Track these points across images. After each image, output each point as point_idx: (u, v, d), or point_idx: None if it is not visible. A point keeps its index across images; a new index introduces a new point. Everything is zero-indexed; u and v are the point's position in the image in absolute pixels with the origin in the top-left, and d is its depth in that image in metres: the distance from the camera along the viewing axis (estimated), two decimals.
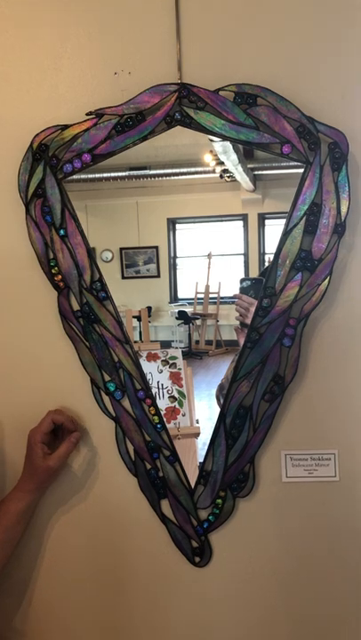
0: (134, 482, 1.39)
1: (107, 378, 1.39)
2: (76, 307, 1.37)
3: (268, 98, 1.27)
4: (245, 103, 1.27)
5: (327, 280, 1.30)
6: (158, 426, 1.38)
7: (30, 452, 1.30)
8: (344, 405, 1.35)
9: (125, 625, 1.45)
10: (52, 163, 1.33)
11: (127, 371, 1.37)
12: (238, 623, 1.42)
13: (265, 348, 1.33)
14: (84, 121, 1.31)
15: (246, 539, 1.39)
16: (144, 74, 1.29)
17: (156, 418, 1.38)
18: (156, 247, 3.44)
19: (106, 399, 1.39)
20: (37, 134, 1.32)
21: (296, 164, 1.29)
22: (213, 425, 1.37)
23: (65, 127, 1.32)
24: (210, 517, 1.38)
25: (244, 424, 1.35)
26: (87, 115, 1.31)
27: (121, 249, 4.02)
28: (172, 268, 3.27)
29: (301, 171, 1.30)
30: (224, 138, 1.30)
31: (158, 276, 3.49)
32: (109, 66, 1.31)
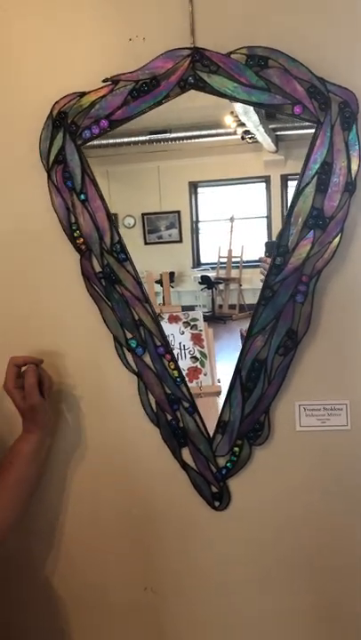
0: (156, 432, 1.48)
1: (128, 335, 1.46)
2: (97, 268, 1.44)
3: (280, 60, 1.30)
4: (257, 65, 1.31)
5: (338, 238, 1.35)
6: (178, 380, 1.45)
7: (13, 402, 1.40)
8: (355, 358, 1.41)
9: (152, 563, 1.56)
10: (71, 129, 1.39)
11: (147, 328, 1.44)
12: (256, 562, 1.52)
13: (279, 304, 1.39)
14: (101, 88, 1.36)
15: (262, 484, 1.48)
16: (158, 39, 1.33)
17: (175, 372, 1.45)
18: (178, 212, 3.32)
19: (128, 355, 1.47)
20: (57, 102, 1.38)
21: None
22: None
23: (82, 94, 1.37)
24: (228, 464, 1.46)
25: (259, 377, 1.42)
26: (103, 82, 1.36)
27: (143, 214, 3.98)
28: (195, 232, 3.20)
29: None
30: (236, 100, 1.33)
31: (180, 241, 3.34)
32: (124, 32, 1.35)
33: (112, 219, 1.46)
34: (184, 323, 2.79)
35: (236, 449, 1.49)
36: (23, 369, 1.40)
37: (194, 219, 3.18)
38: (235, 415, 1.48)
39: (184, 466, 1.51)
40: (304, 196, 1.38)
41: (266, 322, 1.43)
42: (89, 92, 1.39)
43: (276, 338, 1.43)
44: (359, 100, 1.33)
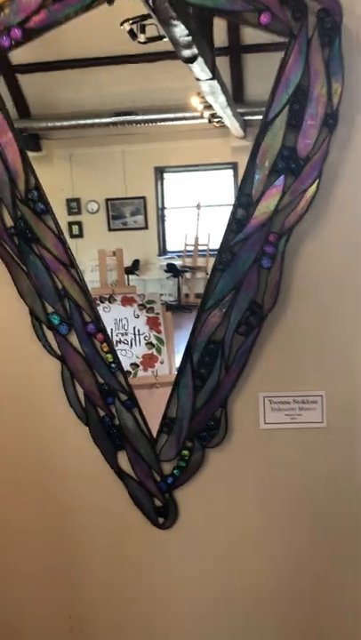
0: (85, 431, 1.16)
1: (49, 309, 1.14)
2: (9, 222, 1.10)
3: None
4: None
5: (315, 185, 1.06)
6: (112, 365, 1.13)
7: None
8: (333, 340, 1.14)
9: (77, 593, 1.23)
10: None
11: (73, 300, 1.12)
12: (209, 593, 1.21)
13: (239, 270, 1.08)
14: None
15: (218, 495, 1.18)
16: None
17: (109, 356, 1.13)
18: (144, 198, 3.36)
19: (49, 335, 1.14)
20: None
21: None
22: None
23: None
24: (175, 471, 1.16)
25: (215, 362, 1.11)
26: None
27: (107, 200, 3.88)
28: (161, 219, 3.15)
29: None
30: (188, 5, 1.01)
31: (146, 227, 3.42)
32: None
33: (27, 158, 1.11)
34: (139, 305, 2.49)
35: (186, 452, 1.18)
36: None
37: (160, 205, 3.17)
38: (184, 410, 1.16)
39: (120, 473, 1.20)
40: (272, 131, 1.07)
41: (223, 292, 1.12)
42: None
43: (236, 313, 1.12)
44: (344, 8, 1.01)
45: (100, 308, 2.49)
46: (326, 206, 1.13)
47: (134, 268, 4.64)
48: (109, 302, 2.47)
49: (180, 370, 1.18)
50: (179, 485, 1.22)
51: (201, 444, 1.20)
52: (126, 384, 1.20)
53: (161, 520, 1.24)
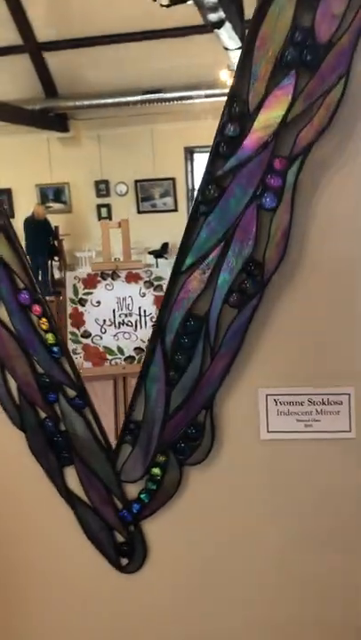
0: (21, 439, 0.80)
1: None
2: None
3: None
4: None
5: (341, 85, 0.67)
6: (55, 350, 0.80)
7: None
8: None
9: None
10: None
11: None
12: None
13: (230, 213, 0.74)
14: None
15: (201, 530, 0.84)
16: None
17: (50, 336, 0.80)
18: (173, 179, 3.33)
19: None
20: None
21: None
22: None
23: None
24: (142, 496, 0.82)
25: (196, 345, 0.76)
26: None
27: (136, 181, 3.73)
28: (191, 201, 3.06)
29: None
30: None
31: (176, 209, 3.41)
32: None
33: None
34: (146, 282, 2.18)
35: (157, 470, 0.84)
36: None
37: (190, 186, 3.17)
38: (153, 412, 0.82)
39: (68, 497, 0.85)
40: (278, 3, 0.70)
41: (207, 246, 0.77)
42: None
43: (226, 275, 0.78)
44: None
45: (101, 286, 2.17)
46: (358, 116, 0.76)
47: (163, 251, 4.33)
48: (112, 279, 2.15)
49: (148, 356, 0.84)
50: (147, 515, 0.88)
51: (178, 459, 0.86)
52: (75, 375, 0.86)
53: (124, 561, 0.90)
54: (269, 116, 0.77)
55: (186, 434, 0.85)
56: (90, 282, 2.16)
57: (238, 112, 0.77)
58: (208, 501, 0.88)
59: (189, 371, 0.84)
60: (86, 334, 2.13)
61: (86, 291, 2.16)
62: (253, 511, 0.87)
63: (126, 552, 0.90)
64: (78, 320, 2.17)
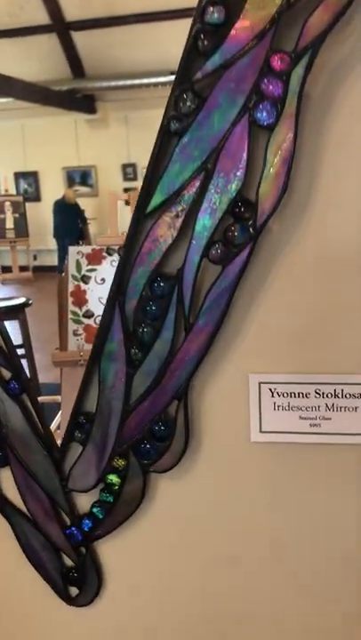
0: None
1: None
2: None
3: None
4: None
5: None
6: None
7: None
8: None
9: None
10: None
11: None
12: None
13: (212, 131, 0.53)
14: None
15: (170, 556, 0.62)
16: None
17: None
18: None
19: None
20: None
21: None
22: None
23: None
24: (95, 510, 0.60)
25: (166, 314, 0.53)
26: None
27: None
28: None
29: None
30: None
31: None
32: None
33: None
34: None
35: (114, 478, 0.63)
36: None
37: None
38: (109, 402, 0.61)
39: (3, 507, 0.65)
40: None
41: (181, 178, 0.55)
42: None
43: (207, 219, 0.55)
44: None
45: (107, 262, 1.97)
46: None
47: None
48: (119, 255, 1.94)
49: (103, 328, 0.63)
50: (102, 535, 0.68)
51: (141, 463, 0.65)
52: (10, 352, 0.66)
53: (73, 591, 0.70)
54: None
55: (152, 431, 0.65)
56: (94, 257, 1.97)
57: None
58: (180, 519, 0.67)
59: (157, 348, 0.63)
60: (89, 314, 1.94)
61: (90, 267, 1.97)
62: (239, 535, 0.66)
63: (76, 580, 0.70)
64: (80, 298, 1.98)
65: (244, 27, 0.56)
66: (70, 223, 8.09)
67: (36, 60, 8.02)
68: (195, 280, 0.61)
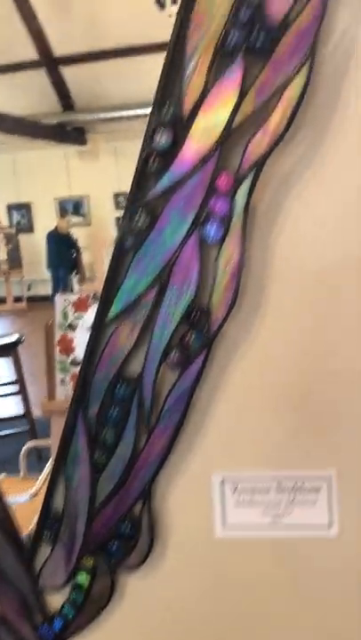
0: None
1: None
2: None
3: None
4: None
5: (303, 75, 0.48)
6: None
7: None
8: (350, 373, 0.54)
9: None
10: None
11: None
12: None
13: (165, 246, 0.55)
14: None
15: None
16: None
17: None
18: None
19: None
20: None
21: None
22: None
23: None
24: (65, 609, 0.62)
25: (128, 417, 0.56)
26: None
27: None
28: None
29: None
30: None
31: None
32: None
33: None
34: None
35: (83, 576, 0.65)
36: None
37: None
38: (76, 502, 0.63)
39: None
40: None
41: (138, 289, 0.59)
42: None
43: (163, 327, 0.58)
44: None
45: (92, 309, 2.00)
46: (327, 121, 0.57)
47: None
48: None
49: (67, 430, 0.65)
50: (73, 633, 0.69)
51: (109, 562, 0.67)
52: None
53: None
54: (211, 119, 0.58)
55: (118, 531, 0.66)
56: (81, 305, 2.00)
57: (171, 115, 0.59)
58: (150, 617, 0.68)
59: (120, 451, 0.65)
60: (76, 362, 1.96)
61: (77, 314, 1.99)
62: (209, 630, 0.68)
63: None
64: (67, 347, 2.00)
65: (190, 150, 0.59)
66: (63, 253, 8.16)
67: (25, 95, 8.16)
68: (154, 384, 0.64)
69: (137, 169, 0.60)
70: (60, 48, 7.67)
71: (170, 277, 0.62)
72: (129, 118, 8.34)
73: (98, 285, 1.94)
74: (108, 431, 0.65)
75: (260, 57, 0.57)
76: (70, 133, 8.73)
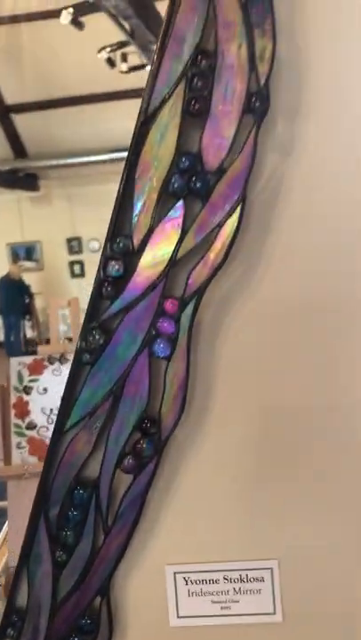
0: None
1: None
2: None
3: None
4: None
5: (236, 215, 0.57)
6: None
7: None
8: (289, 474, 0.62)
9: None
10: None
11: None
12: None
13: (118, 362, 0.62)
14: None
15: None
16: None
17: None
18: None
19: None
20: None
21: None
22: None
23: None
24: None
25: (86, 518, 0.61)
26: None
27: None
28: None
29: None
30: None
31: None
32: None
33: None
34: (55, 370, 2.04)
35: None
36: None
37: None
38: (38, 598, 0.68)
39: None
40: (158, 127, 0.61)
41: (94, 401, 0.65)
42: None
43: (118, 435, 0.64)
44: None
45: (48, 371, 2.02)
46: (258, 251, 0.66)
47: None
48: (60, 363, 2.00)
49: (30, 532, 0.70)
50: None
51: None
52: None
53: None
54: (157, 252, 0.66)
55: (78, 626, 0.71)
56: (36, 367, 2.02)
57: (122, 248, 0.66)
58: None
59: (80, 550, 0.70)
60: (32, 425, 1.97)
61: (32, 377, 2.01)
62: None
63: None
64: (23, 410, 2.01)
65: (140, 278, 0.67)
66: (16, 299, 8.11)
67: None
68: (110, 488, 0.69)
69: (92, 293, 0.67)
70: (11, 97, 7.81)
71: (123, 389, 0.68)
72: (81, 164, 8.50)
73: (53, 348, 1.98)
74: (68, 532, 0.70)
75: (198, 200, 0.65)
76: (23, 179, 8.80)
